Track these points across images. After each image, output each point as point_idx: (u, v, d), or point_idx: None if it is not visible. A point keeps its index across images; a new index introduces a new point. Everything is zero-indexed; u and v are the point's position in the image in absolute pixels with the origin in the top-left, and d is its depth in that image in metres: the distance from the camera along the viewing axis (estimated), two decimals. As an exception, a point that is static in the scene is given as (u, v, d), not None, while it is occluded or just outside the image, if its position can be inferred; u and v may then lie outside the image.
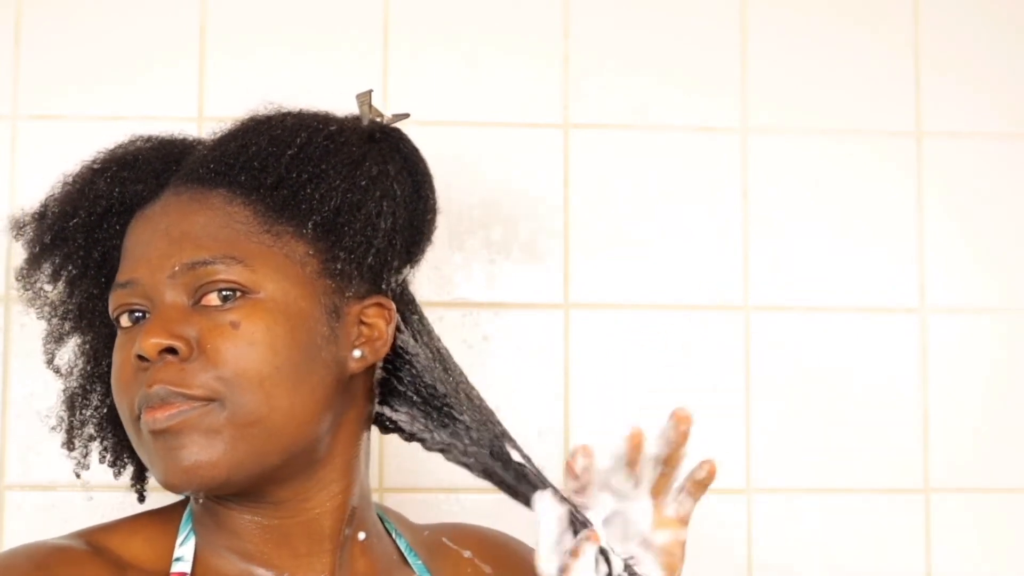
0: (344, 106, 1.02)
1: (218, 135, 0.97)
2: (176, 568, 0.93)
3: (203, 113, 1.40)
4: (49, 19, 1.40)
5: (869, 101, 1.46)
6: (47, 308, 1.01)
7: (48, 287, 0.99)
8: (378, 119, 1.00)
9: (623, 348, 1.41)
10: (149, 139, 1.01)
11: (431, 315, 1.40)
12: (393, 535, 1.04)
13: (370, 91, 1.01)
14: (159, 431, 0.88)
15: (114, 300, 0.93)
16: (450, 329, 1.39)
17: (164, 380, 0.88)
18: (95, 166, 0.98)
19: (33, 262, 0.98)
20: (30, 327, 1.36)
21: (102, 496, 1.35)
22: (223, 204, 0.92)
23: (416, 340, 0.99)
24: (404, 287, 1.02)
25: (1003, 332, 1.45)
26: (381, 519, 1.04)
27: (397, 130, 1.01)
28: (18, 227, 0.99)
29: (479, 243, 1.41)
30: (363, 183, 0.94)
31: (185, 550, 0.95)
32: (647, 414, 1.40)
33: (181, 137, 1.01)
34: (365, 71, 1.42)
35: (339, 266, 0.93)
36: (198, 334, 0.89)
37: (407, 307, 1.01)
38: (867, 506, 1.41)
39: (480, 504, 1.33)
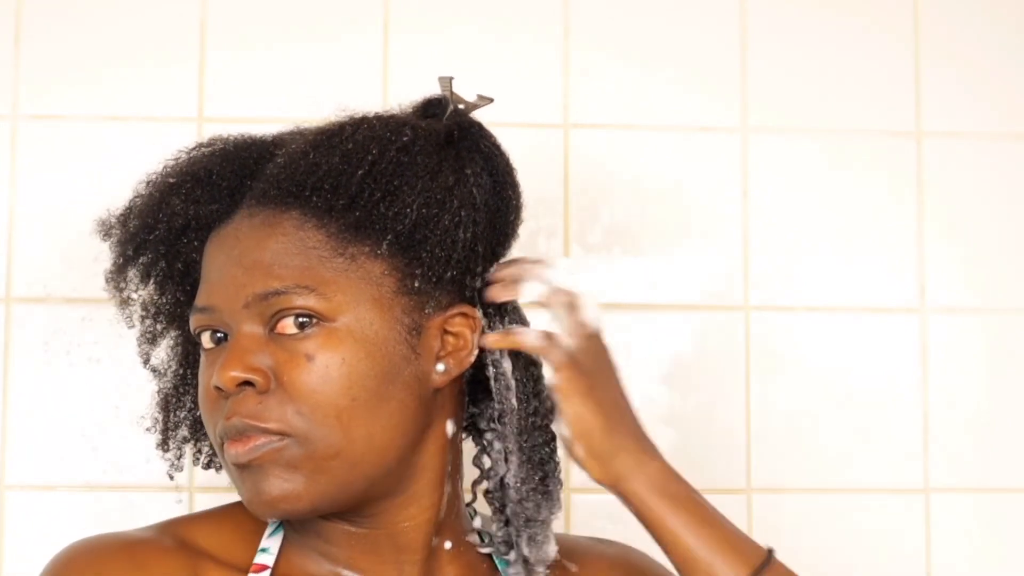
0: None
1: (291, 148, 0.94)
2: (259, 559, 0.94)
3: (203, 113, 1.40)
4: (49, 19, 1.40)
5: (869, 101, 1.46)
6: (140, 309, 1.00)
7: (139, 288, 0.98)
8: (461, 106, 0.98)
9: (623, 348, 1.41)
10: (226, 143, 0.98)
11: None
12: (486, 541, 1.01)
13: (451, 77, 0.99)
14: (241, 464, 0.88)
15: (194, 321, 0.93)
16: (450, 329, 1.39)
17: (242, 413, 0.88)
18: (171, 180, 0.95)
19: (119, 269, 0.97)
20: (30, 327, 1.36)
21: (107, 496, 1.35)
22: (295, 228, 0.90)
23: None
24: None
25: (1003, 332, 1.45)
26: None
27: (477, 125, 0.98)
28: (105, 230, 0.98)
29: (479, 243, 1.41)
30: (439, 195, 0.91)
31: (272, 542, 0.95)
32: (647, 415, 1.41)
33: (259, 141, 0.98)
34: (365, 70, 1.42)
35: (417, 283, 0.91)
36: (274, 364, 0.88)
37: (496, 310, 0.98)
38: (867, 506, 1.41)
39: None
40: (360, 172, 0.90)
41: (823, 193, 1.45)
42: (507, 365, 0.95)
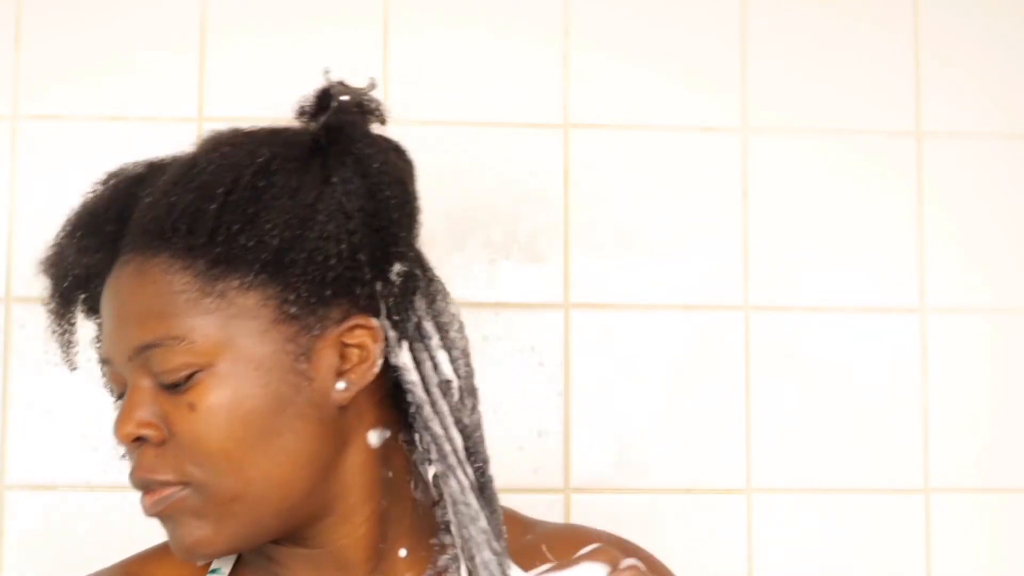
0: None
1: (156, 187, 0.91)
2: None
3: (203, 113, 1.40)
4: (49, 19, 1.40)
5: (869, 101, 1.46)
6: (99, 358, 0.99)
7: (72, 344, 0.97)
8: (344, 97, 0.94)
9: (623, 348, 1.41)
10: (119, 178, 0.95)
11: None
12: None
13: (327, 70, 0.96)
14: (153, 516, 0.89)
15: (103, 374, 0.93)
16: (450, 329, 1.39)
17: (142, 467, 0.87)
18: (67, 229, 0.94)
19: (55, 318, 0.96)
20: (30, 327, 1.36)
21: (107, 496, 1.35)
22: (163, 273, 0.87)
23: (411, 348, 0.93)
24: (407, 284, 0.93)
25: (1003, 332, 1.45)
26: None
27: (350, 126, 0.93)
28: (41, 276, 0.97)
29: (479, 243, 1.41)
30: (301, 214, 0.87)
31: (225, 562, 0.95)
32: (647, 415, 1.41)
33: (143, 175, 0.94)
34: (365, 70, 1.41)
35: (295, 309, 0.87)
36: (163, 415, 0.87)
37: (405, 310, 0.93)
38: (867, 506, 1.41)
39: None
40: (214, 207, 0.86)
41: (823, 193, 1.45)
42: (406, 358, 0.92)
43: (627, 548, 1.00)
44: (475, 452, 0.93)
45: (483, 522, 0.90)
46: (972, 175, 1.46)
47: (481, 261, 1.41)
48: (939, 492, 1.42)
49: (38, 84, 1.39)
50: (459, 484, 0.91)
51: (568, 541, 0.97)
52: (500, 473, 1.42)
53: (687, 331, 1.42)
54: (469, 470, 0.92)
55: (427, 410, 0.92)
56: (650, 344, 1.41)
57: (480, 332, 1.39)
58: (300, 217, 0.87)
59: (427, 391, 0.92)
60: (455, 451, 0.92)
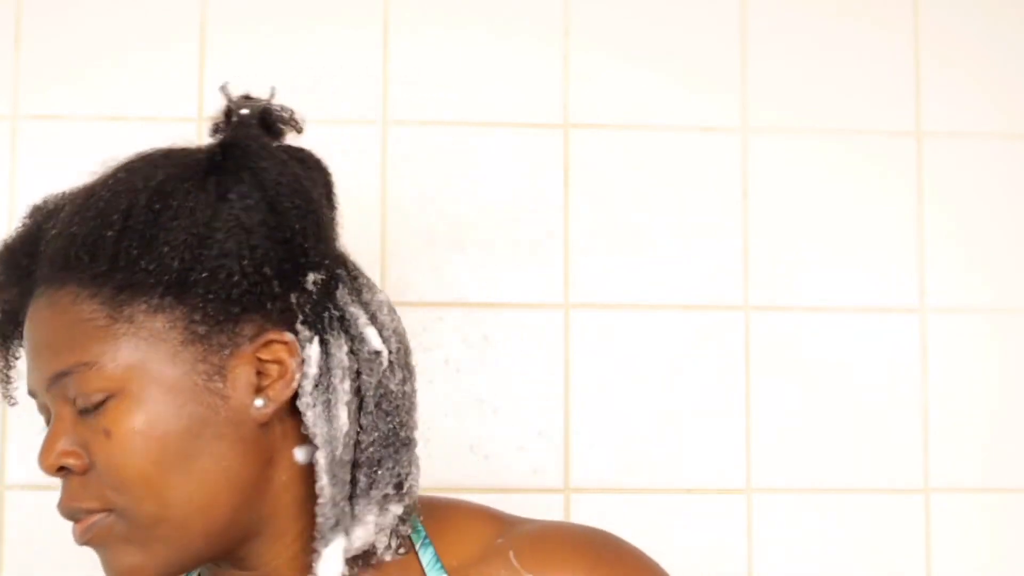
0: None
1: (59, 218, 0.91)
2: None
3: (203, 113, 1.40)
4: (49, 19, 1.40)
5: (869, 101, 1.46)
6: None
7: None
8: (244, 111, 0.95)
9: (623, 348, 1.41)
10: (37, 213, 0.95)
11: (431, 315, 1.41)
12: (418, 547, 0.95)
13: (226, 83, 0.96)
14: (83, 544, 0.89)
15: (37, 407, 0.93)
16: (450, 329, 1.39)
17: (68, 497, 0.88)
18: None
19: None
20: (30, 327, 1.36)
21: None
22: (71, 303, 0.87)
23: (329, 365, 0.91)
24: (325, 291, 0.92)
25: (1003, 332, 1.45)
26: (417, 527, 0.96)
27: (248, 139, 0.93)
28: None
29: (479, 243, 1.41)
30: (199, 232, 0.87)
31: None
32: (647, 415, 1.41)
33: (61, 203, 0.95)
34: (365, 73, 1.42)
35: (202, 329, 0.86)
36: (83, 443, 0.87)
37: (320, 319, 0.91)
38: (867, 506, 1.41)
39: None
40: (112, 233, 0.87)
41: (823, 193, 1.45)
42: (308, 385, 0.90)
43: (608, 544, 0.97)
44: (392, 414, 0.91)
45: (324, 495, 0.88)
46: (972, 175, 1.46)
47: (481, 261, 1.41)
48: (939, 492, 1.42)
49: (38, 84, 1.39)
50: (318, 463, 0.89)
51: (539, 548, 0.94)
52: (500, 473, 1.43)
53: (687, 331, 1.42)
54: (340, 447, 0.90)
55: (305, 400, 0.90)
56: (650, 344, 1.41)
57: (480, 332, 1.40)
58: (198, 236, 0.87)
59: (312, 392, 0.90)
60: (332, 429, 0.89)
